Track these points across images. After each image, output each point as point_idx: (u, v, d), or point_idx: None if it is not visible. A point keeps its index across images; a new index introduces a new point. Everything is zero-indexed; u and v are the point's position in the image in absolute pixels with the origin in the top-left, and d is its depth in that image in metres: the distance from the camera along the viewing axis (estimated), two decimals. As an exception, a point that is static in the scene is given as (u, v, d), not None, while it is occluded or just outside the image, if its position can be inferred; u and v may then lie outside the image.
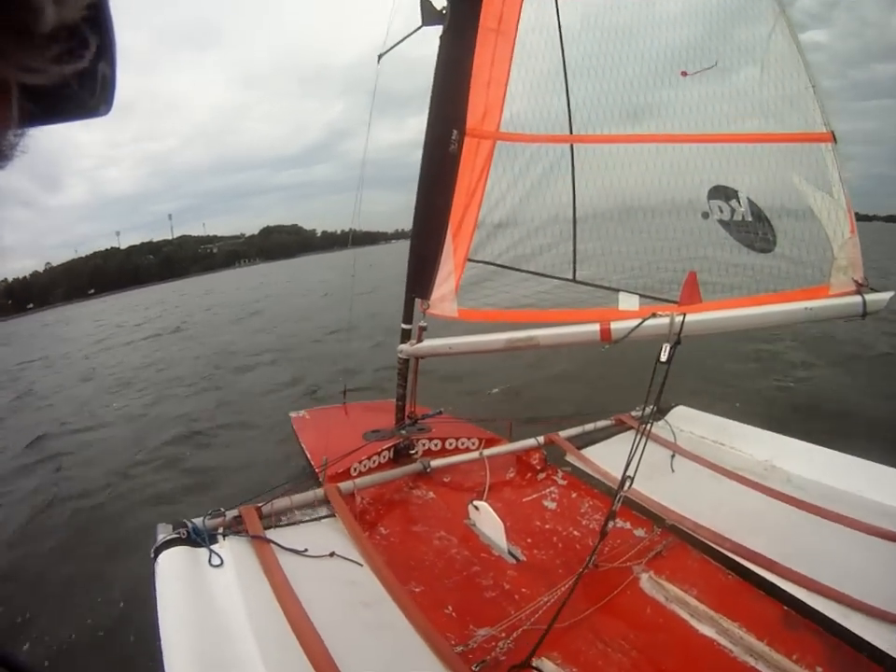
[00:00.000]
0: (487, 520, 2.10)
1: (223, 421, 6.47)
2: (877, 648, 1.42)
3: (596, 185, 2.32)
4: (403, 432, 2.90)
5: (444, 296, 2.45)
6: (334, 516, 2.07)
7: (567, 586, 1.65)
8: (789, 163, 2.32)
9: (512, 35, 2.44)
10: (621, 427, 2.90)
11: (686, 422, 2.81)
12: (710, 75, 2.39)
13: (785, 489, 2.18)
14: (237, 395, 7.70)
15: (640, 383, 1.96)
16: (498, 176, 2.36)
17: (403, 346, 2.67)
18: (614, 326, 2.18)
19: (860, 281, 2.26)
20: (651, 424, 1.90)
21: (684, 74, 2.39)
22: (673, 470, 2.45)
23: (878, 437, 3.73)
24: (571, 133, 2.35)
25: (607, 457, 2.47)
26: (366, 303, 11.64)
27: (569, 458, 2.60)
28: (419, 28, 2.63)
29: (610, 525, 1.72)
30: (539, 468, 2.58)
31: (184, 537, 1.71)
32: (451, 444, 3.00)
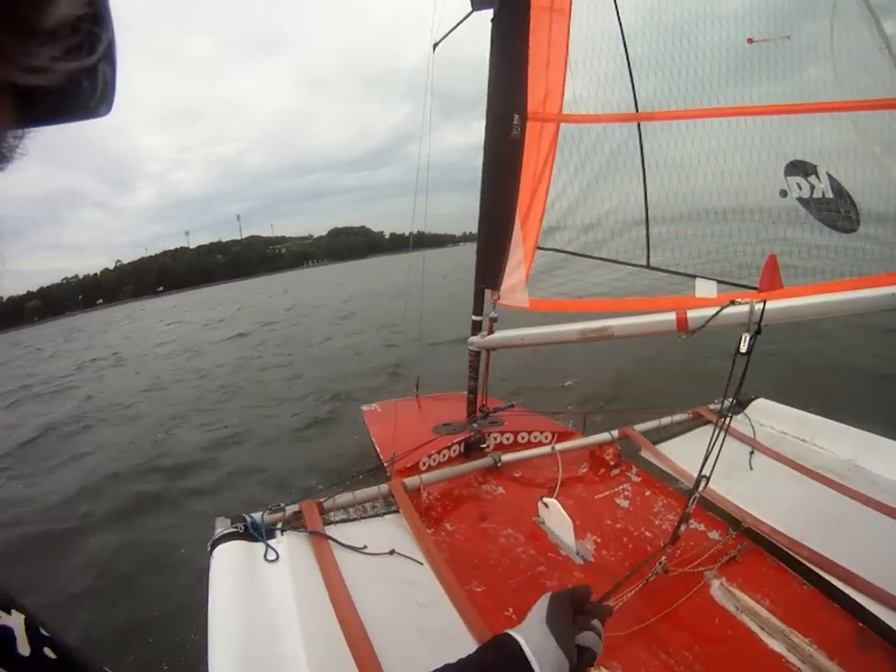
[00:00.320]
0: (556, 518, 2.03)
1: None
2: None
3: (667, 165, 2.19)
4: (475, 425, 2.83)
5: (515, 286, 2.38)
6: (398, 512, 2.03)
7: (634, 591, 1.57)
8: (867, 133, 2.17)
9: (567, 12, 2.33)
10: (698, 421, 2.77)
11: (767, 416, 2.66)
12: (779, 43, 2.25)
13: (870, 492, 2.03)
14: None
15: (722, 371, 1.83)
16: (565, 160, 2.26)
17: (474, 338, 2.60)
18: (691, 315, 2.06)
19: (955, 262, 2.10)
20: (731, 418, 1.79)
21: (751, 41, 2.25)
22: (751, 468, 2.33)
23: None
24: (637, 111, 2.23)
25: (683, 453, 2.37)
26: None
27: (644, 454, 2.51)
28: (470, 13, 2.55)
29: (683, 527, 1.64)
30: (612, 463, 2.49)
31: (241, 531, 1.69)
32: (523, 438, 2.92)
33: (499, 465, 2.44)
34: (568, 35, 2.31)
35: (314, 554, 1.67)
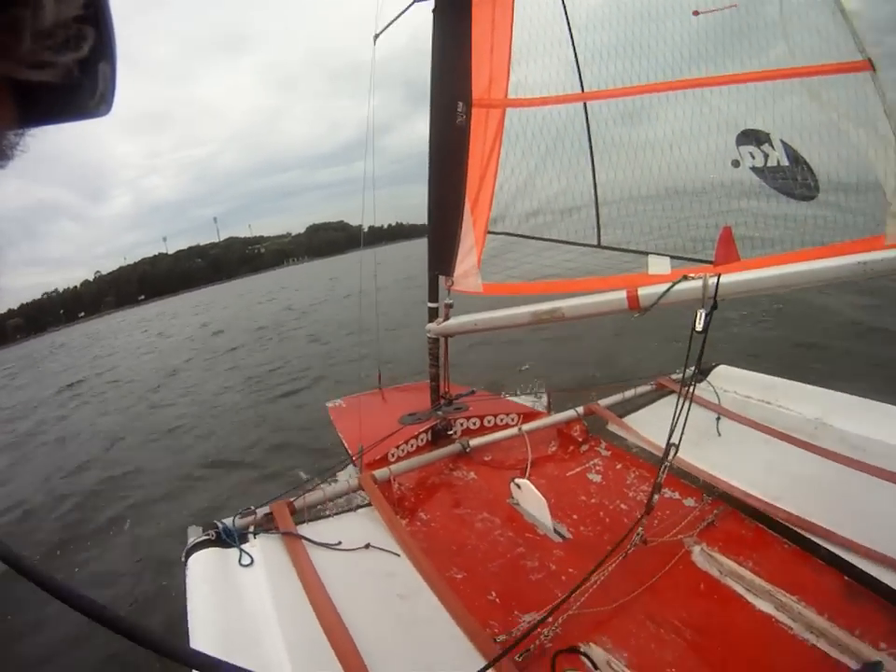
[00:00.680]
0: (530, 498, 2.04)
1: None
2: None
3: (614, 142, 2.18)
4: (440, 413, 2.84)
5: (468, 271, 2.38)
6: (370, 506, 2.02)
7: (614, 565, 1.57)
8: (822, 98, 2.12)
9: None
10: (662, 392, 2.77)
11: (730, 382, 2.66)
12: (726, 13, 2.22)
13: (839, 448, 2.03)
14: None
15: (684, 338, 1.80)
16: (512, 144, 2.25)
17: (431, 325, 2.61)
18: (642, 292, 2.05)
19: (922, 227, 2.05)
20: (694, 386, 1.78)
21: (696, 13, 2.22)
22: (720, 434, 2.34)
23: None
24: (583, 90, 2.21)
25: (650, 424, 2.38)
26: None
27: (612, 427, 2.51)
28: (411, 5, 2.55)
29: (656, 497, 1.63)
30: (581, 440, 2.50)
31: (214, 538, 1.70)
32: (489, 422, 2.94)
33: (468, 450, 2.44)
34: (512, 20, 2.31)
35: (288, 556, 1.67)
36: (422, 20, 2.54)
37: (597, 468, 2.31)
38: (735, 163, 2.19)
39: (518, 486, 2.11)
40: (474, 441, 2.48)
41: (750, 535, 1.77)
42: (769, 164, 2.19)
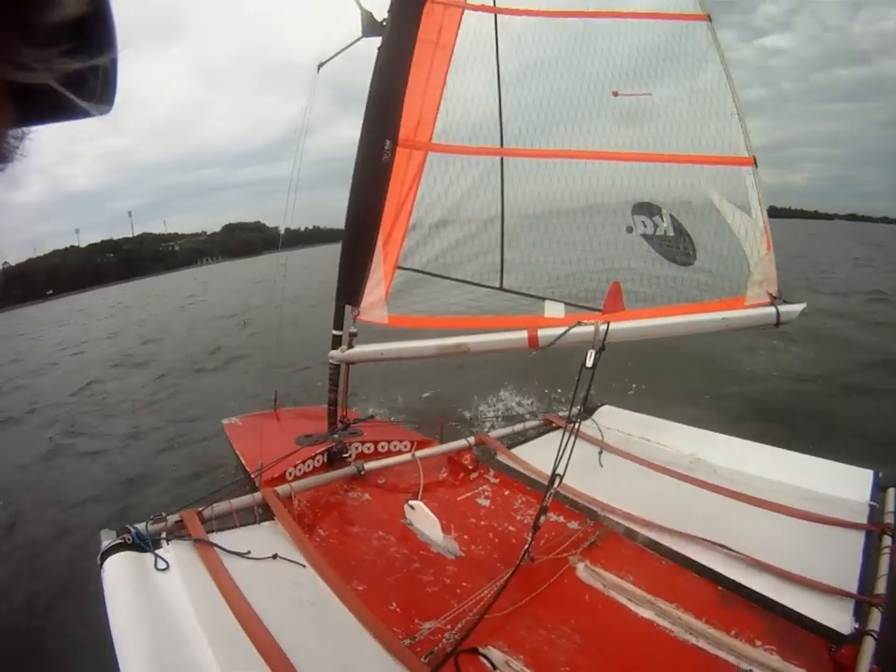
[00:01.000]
0: (423, 518, 2.11)
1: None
2: (808, 617, 1.54)
3: (525, 197, 2.40)
4: (336, 436, 2.89)
5: (374, 303, 2.47)
6: (273, 519, 2.04)
7: (505, 577, 1.68)
8: (711, 184, 2.47)
9: (451, 48, 2.51)
10: (549, 427, 2.98)
11: (613, 420, 2.92)
12: (641, 98, 2.52)
13: (711, 479, 2.30)
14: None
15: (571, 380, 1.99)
16: (430, 186, 2.40)
17: (334, 352, 2.66)
18: (541, 333, 2.25)
19: (773, 294, 2.42)
20: (579, 422, 1.98)
21: (615, 94, 2.51)
22: (602, 466, 2.55)
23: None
24: (502, 146, 2.42)
25: (537, 455, 2.52)
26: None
27: (500, 458, 2.64)
28: (359, 39, 2.67)
29: (543, 518, 1.77)
30: (470, 467, 2.61)
31: (128, 542, 1.67)
32: (383, 447, 3.02)
33: (363, 473, 2.48)
34: (448, 69, 2.49)
35: (201, 561, 1.68)
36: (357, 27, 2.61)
37: (486, 493, 2.43)
38: (629, 229, 2.49)
39: (412, 507, 2.17)
40: (369, 465, 2.53)
41: (631, 553, 1.94)
42: (657, 233, 2.50)
